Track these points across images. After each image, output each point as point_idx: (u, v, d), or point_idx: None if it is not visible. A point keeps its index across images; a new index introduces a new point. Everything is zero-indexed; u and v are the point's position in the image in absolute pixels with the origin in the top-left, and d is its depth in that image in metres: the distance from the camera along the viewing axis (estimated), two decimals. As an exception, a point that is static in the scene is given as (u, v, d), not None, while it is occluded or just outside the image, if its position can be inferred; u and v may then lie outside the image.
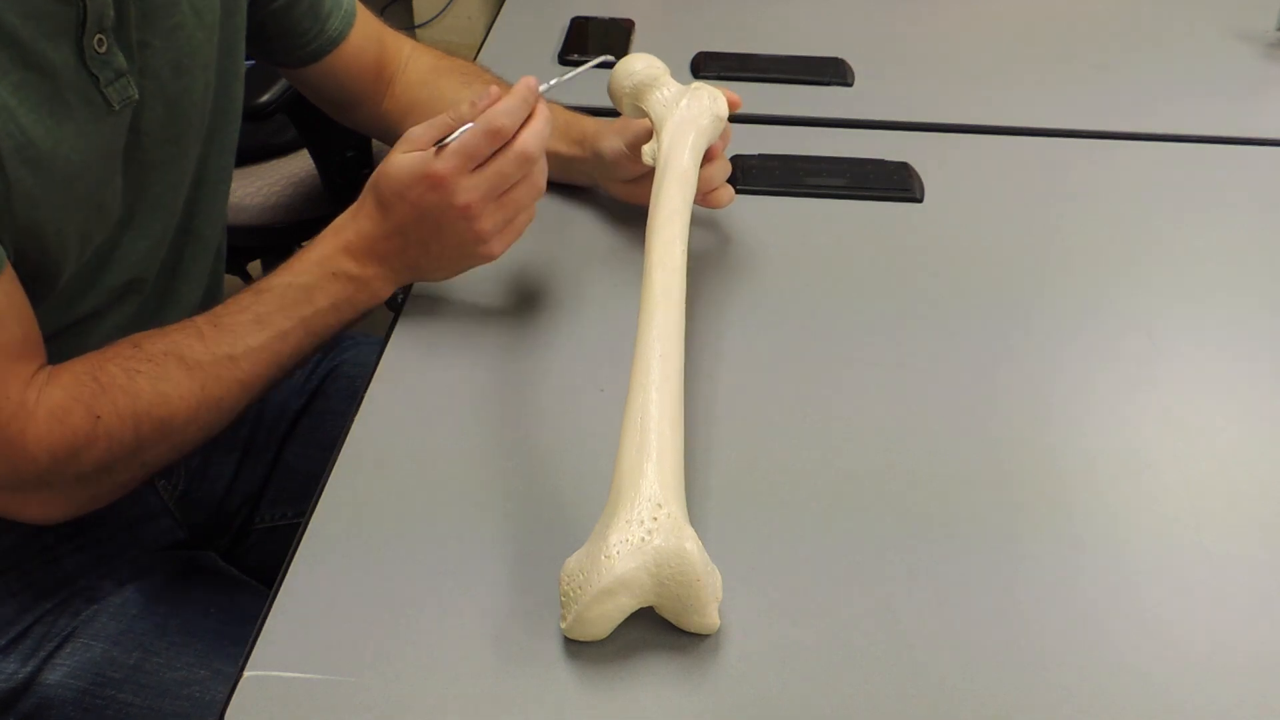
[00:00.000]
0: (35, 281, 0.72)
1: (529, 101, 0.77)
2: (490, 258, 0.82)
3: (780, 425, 0.77)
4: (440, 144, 0.76)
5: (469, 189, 0.77)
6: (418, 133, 0.78)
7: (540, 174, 0.80)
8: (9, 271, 0.68)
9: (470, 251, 0.81)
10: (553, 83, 0.82)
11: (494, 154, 0.77)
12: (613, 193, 0.98)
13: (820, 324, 0.87)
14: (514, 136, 0.77)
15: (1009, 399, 0.81)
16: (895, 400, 0.80)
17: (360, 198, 0.81)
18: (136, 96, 0.75)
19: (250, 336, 0.77)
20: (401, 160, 0.77)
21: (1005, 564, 0.68)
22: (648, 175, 0.91)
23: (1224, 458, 0.77)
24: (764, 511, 0.71)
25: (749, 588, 0.65)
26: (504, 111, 0.76)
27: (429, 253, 0.80)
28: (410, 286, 0.90)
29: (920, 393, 0.81)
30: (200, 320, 0.77)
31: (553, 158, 0.98)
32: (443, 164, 0.76)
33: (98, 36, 0.71)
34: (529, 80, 0.78)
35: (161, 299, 0.88)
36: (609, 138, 0.93)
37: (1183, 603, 0.66)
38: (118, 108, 0.74)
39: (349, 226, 0.80)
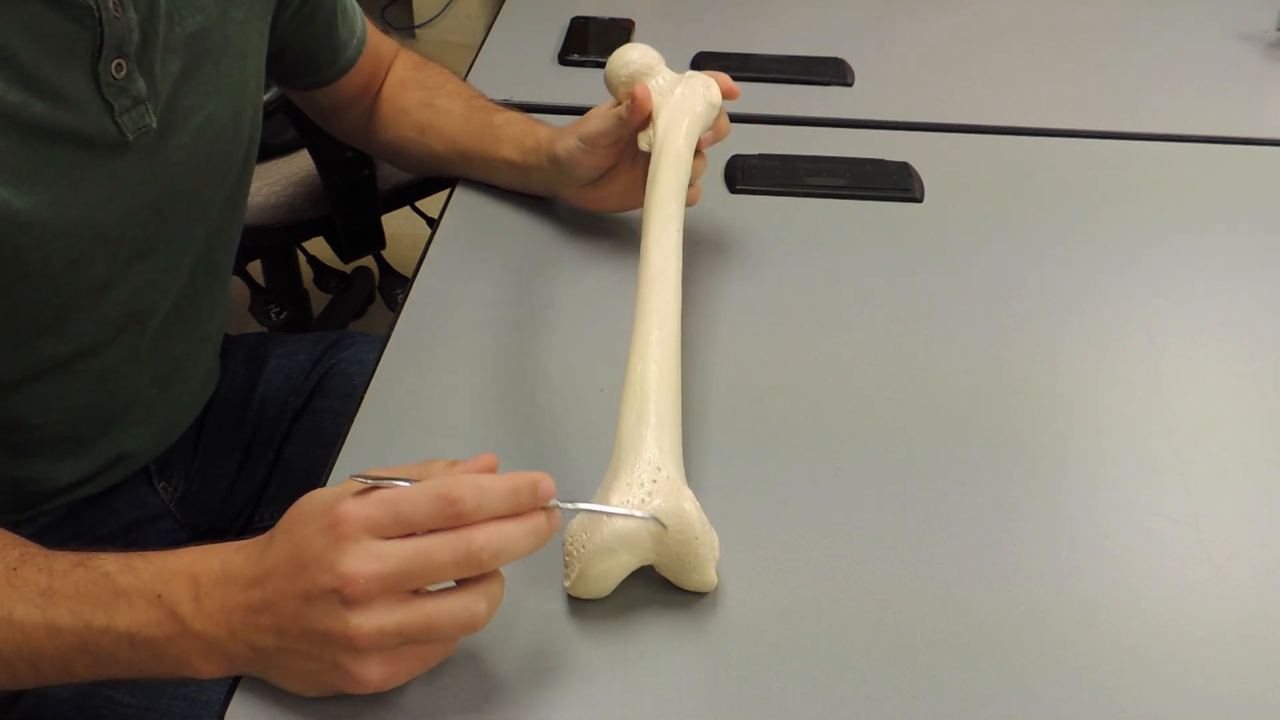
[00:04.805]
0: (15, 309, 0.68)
1: (520, 498, 0.54)
2: (359, 685, 0.55)
3: (781, 426, 0.77)
4: (371, 483, 0.55)
5: (365, 555, 0.53)
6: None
7: (487, 604, 0.55)
8: None
9: (334, 661, 0.54)
10: (573, 506, 0.59)
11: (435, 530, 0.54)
12: (571, 200, 0.96)
13: (820, 324, 0.87)
14: (475, 524, 0.54)
15: (1008, 398, 0.81)
16: (894, 400, 0.80)
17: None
18: (154, 125, 0.72)
19: (20, 608, 0.58)
20: (324, 490, 0.57)
21: (1001, 553, 0.68)
22: (605, 177, 0.91)
23: (1223, 457, 0.77)
24: (762, 483, 0.71)
25: (746, 548, 0.67)
26: (474, 485, 0.53)
27: (284, 637, 0.55)
28: (411, 285, 0.90)
29: (918, 391, 0.81)
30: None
31: (507, 166, 0.96)
32: (353, 506, 0.53)
33: (116, 61, 0.69)
34: (538, 481, 0.55)
35: (174, 329, 0.85)
36: (563, 139, 0.91)
37: (1181, 600, 0.66)
38: (131, 137, 0.71)
39: (226, 552, 0.58)
